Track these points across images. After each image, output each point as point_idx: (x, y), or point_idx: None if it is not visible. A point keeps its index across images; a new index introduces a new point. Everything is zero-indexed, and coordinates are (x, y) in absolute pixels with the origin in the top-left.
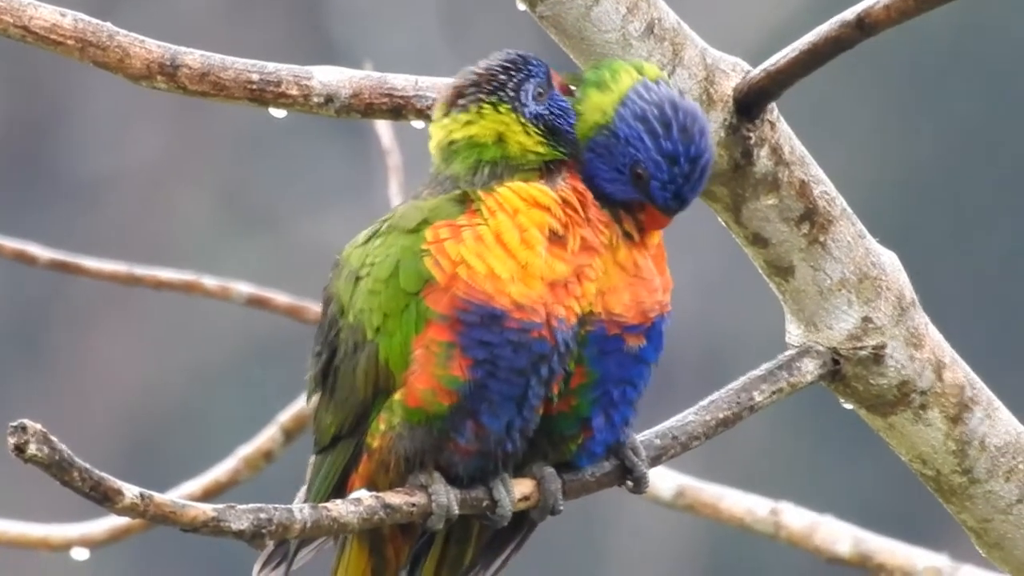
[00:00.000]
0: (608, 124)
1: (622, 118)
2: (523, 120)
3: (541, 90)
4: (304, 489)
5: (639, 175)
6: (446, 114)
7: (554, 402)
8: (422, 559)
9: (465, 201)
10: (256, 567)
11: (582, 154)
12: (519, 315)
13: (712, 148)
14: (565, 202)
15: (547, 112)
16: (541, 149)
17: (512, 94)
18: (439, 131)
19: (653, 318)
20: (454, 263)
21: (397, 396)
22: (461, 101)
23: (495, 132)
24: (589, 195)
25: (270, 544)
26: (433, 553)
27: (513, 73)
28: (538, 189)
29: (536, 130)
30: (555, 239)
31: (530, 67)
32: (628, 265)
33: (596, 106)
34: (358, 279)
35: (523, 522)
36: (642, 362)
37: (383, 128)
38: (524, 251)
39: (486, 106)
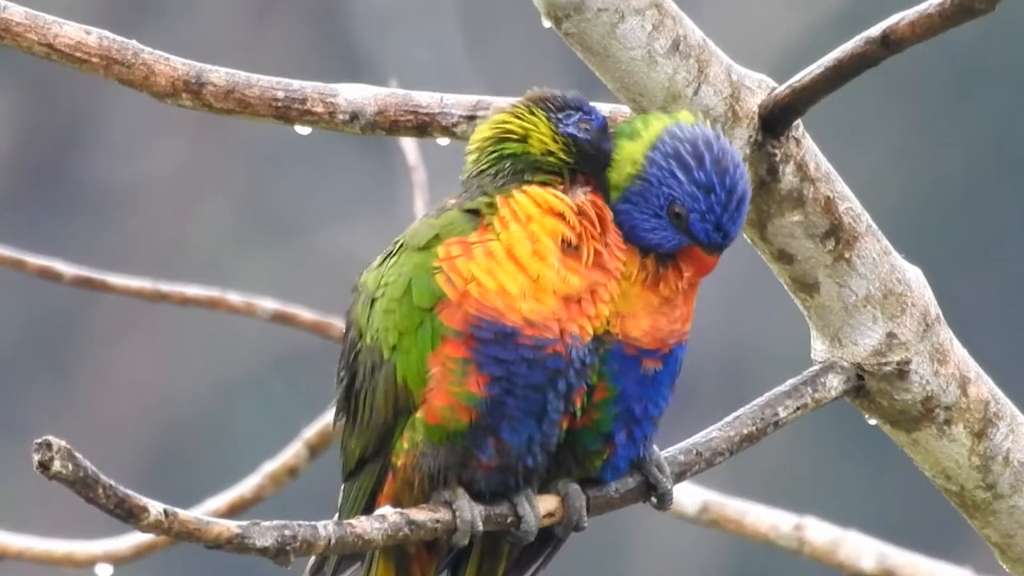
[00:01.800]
0: (639, 172)
1: (652, 162)
2: (554, 129)
3: (587, 126)
4: (335, 518)
5: (677, 213)
6: None
7: (577, 416)
8: None
9: (478, 215)
10: None
11: (611, 195)
12: (531, 332)
13: (748, 182)
14: (581, 212)
15: (583, 137)
16: (563, 155)
17: (552, 109)
18: (476, 134)
19: (672, 344)
20: (465, 280)
21: (418, 414)
22: None
23: (523, 129)
24: (609, 214)
25: (306, 573)
26: (470, 571)
27: (562, 100)
28: (554, 195)
29: (564, 140)
30: (568, 250)
31: (584, 106)
32: (652, 298)
33: (628, 156)
34: (374, 301)
35: (551, 538)
36: (659, 383)
37: (408, 145)
38: (536, 263)
39: (522, 107)
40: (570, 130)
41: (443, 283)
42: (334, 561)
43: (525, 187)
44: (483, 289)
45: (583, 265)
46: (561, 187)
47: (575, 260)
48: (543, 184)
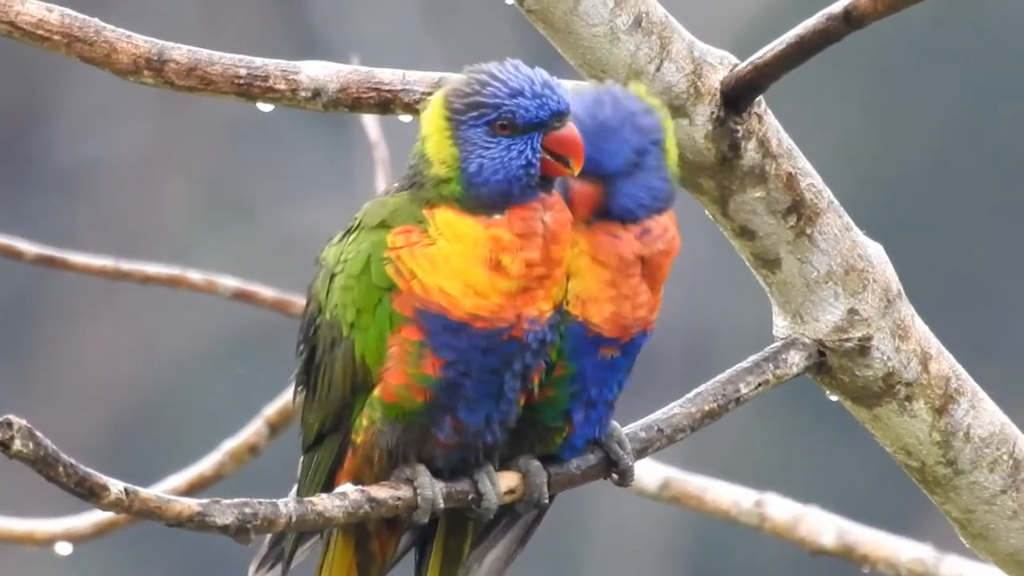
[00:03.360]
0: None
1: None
2: (451, 144)
3: (506, 121)
4: (295, 489)
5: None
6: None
7: (535, 392)
8: (426, 555)
9: (420, 209)
10: (251, 568)
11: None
12: (482, 324)
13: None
14: (496, 239)
15: (477, 153)
16: (445, 174)
17: (459, 108)
18: (425, 108)
19: (634, 333)
20: (411, 275)
21: (375, 392)
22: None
23: (425, 143)
24: (535, 222)
25: (264, 546)
26: (436, 549)
27: (481, 98)
28: (468, 225)
29: (455, 165)
30: (496, 266)
31: (503, 103)
32: (602, 272)
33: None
34: (333, 276)
35: (515, 515)
36: (617, 368)
37: (370, 122)
38: (470, 272)
39: (438, 113)
40: (468, 133)
41: (393, 274)
42: (293, 536)
43: (442, 207)
44: (425, 287)
45: (514, 276)
46: (470, 215)
47: (504, 274)
48: (455, 209)
